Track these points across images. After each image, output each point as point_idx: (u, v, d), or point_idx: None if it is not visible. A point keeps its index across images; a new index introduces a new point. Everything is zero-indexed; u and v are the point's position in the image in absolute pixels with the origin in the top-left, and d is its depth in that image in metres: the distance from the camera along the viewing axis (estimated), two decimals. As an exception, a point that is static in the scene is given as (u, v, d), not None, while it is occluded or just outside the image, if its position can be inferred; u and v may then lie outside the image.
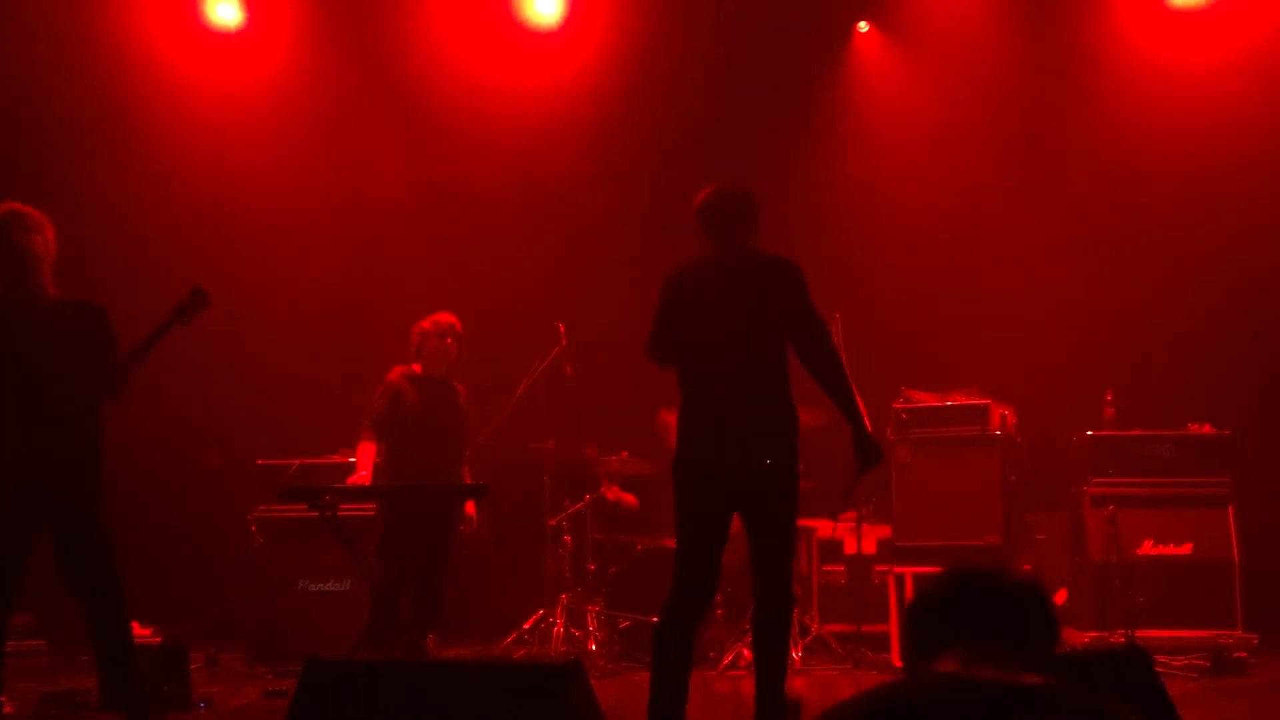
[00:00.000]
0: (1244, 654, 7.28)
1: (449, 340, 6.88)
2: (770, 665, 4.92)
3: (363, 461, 6.82)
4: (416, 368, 6.95)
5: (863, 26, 9.60)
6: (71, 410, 4.86)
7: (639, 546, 8.00)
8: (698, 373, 4.92)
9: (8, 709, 5.21)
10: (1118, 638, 7.09)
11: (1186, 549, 7.59)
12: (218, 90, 9.18)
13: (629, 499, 8.59)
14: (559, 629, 7.81)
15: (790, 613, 5.09)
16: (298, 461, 7.77)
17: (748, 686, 6.93)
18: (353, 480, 6.71)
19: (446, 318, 6.93)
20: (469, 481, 7.00)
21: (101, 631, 4.90)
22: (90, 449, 4.92)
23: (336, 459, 7.66)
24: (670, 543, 7.87)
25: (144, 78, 8.96)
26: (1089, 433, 8.03)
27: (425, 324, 6.92)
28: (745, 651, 7.52)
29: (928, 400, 8.10)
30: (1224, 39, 8.77)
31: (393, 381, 6.91)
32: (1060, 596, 7.77)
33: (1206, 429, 7.83)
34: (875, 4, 9.44)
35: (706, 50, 9.08)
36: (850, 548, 8.20)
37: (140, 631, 6.25)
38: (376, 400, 6.91)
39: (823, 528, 8.38)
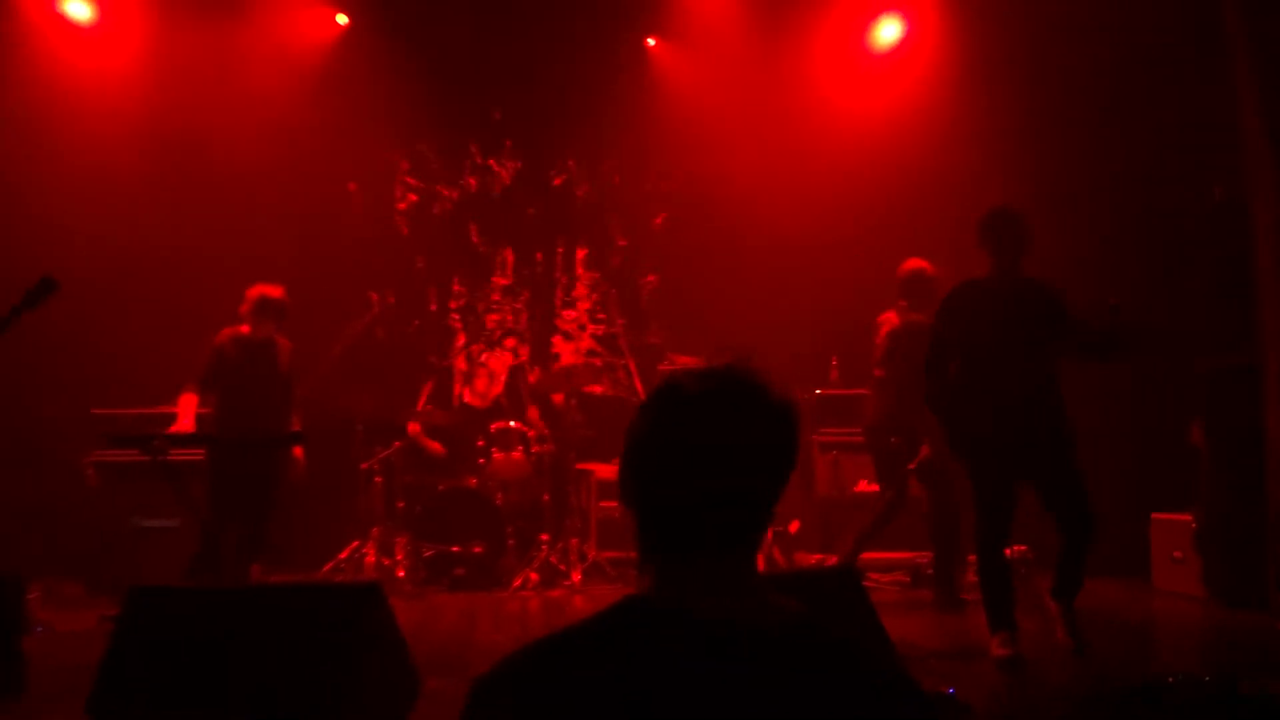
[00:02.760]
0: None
1: (272, 308, 6.60)
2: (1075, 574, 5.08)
3: (184, 411, 6.44)
4: (244, 329, 6.62)
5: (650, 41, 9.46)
6: None
7: (441, 487, 7.77)
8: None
9: None
10: (834, 560, 7.23)
11: (893, 487, 7.77)
12: (75, 75, 8.48)
13: (435, 446, 8.33)
14: (371, 559, 7.56)
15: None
16: (131, 411, 7.26)
17: (534, 605, 6.89)
18: (175, 428, 6.27)
19: (274, 289, 6.66)
20: (297, 429, 6.69)
21: None
22: None
23: (165, 409, 7.16)
24: (471, 483, 7.74)
25: (15, 64, 8.25)
26: (818, 391, 8.17)
27: (252, 292, 6.60)
28: (533, 575, 7.43)
29: (690, 363, 8.12)
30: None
31: (219, 343, 6.63)
32: (794, 526, 7.88)
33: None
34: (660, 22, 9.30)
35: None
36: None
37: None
38: (201, 358, 6.60)
39: (600, 471, 8.30)
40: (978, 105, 8.42)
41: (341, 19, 9.04)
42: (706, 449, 1.54)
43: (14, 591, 5.07)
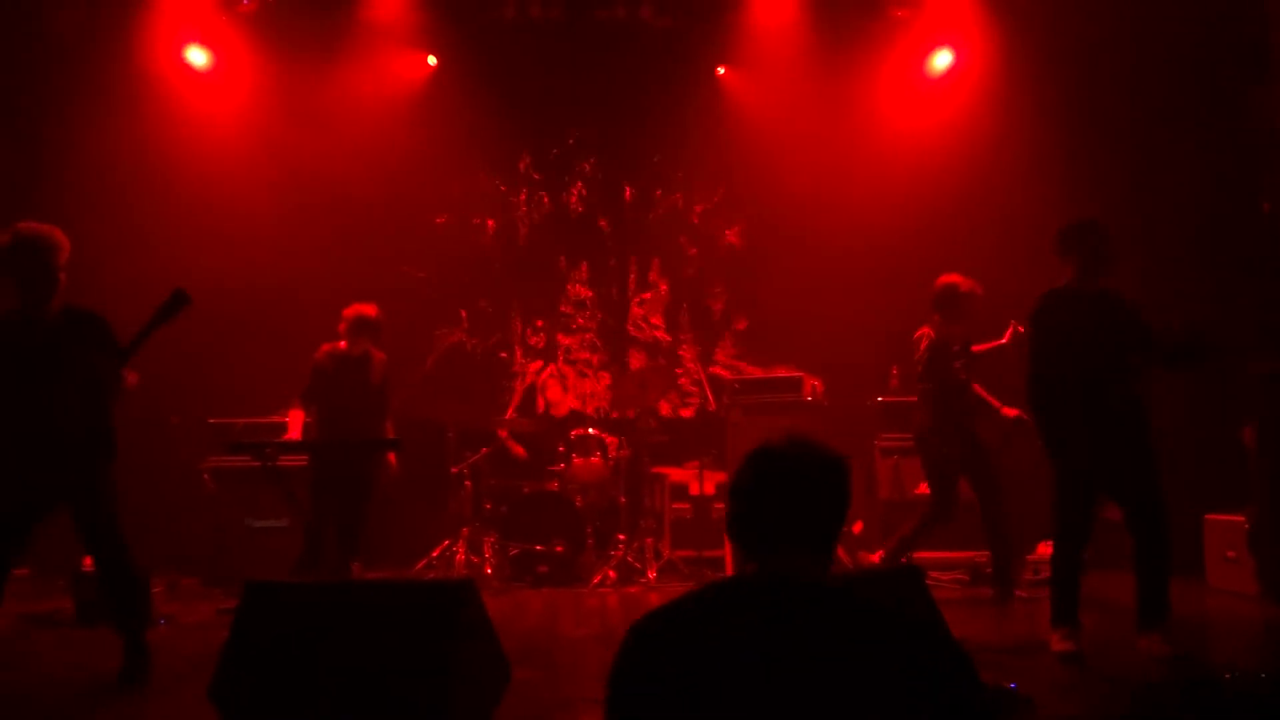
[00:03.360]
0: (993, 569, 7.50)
1: (367, 325, 6.78)
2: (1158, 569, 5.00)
3: (292, 423, 6.71)
4: (342, 345, 6.83)
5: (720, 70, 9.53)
6: (68, 407, 4.56)
7: (525, 489, 7.93)
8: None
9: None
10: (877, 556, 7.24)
11: (953, 489, 7.75)
12: (195, 116, 8.87)
13: (519, 450, 8.50)
14: (460, 556, 7.73)
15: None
16: (242, 421, 7.54)
17: (613, 601, 7.00)
18: (285, 438, 6.53)
19: (368, 308, 6.83)
20: (391, 436, 6.89)
21: (108, 573, 4.71)
22: (90, 438, 4.61)
23: (275, 419, 7.48)
24: (553, 486, 7.89)
25: (143, 107, 8.63)
26: (879, 399, 8.18)
27: (349, 311, 6.82)
28: (611, 573, 7.55)
29: (755, 373, 8.21)
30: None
31: (319, 358, 6.83)
32: (857, 527, 7.91)
33: (971, 395, 8.00)
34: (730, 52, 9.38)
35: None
36: (695, 489, 8.23)
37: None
38: (304, 374, 6.82)
39: (673, 474, 8.42)
40: (1027, 125, 8.38)
41: (431, 60, 9.30)
42: (789, 488, 2.09)
43: (141, 586, 5.33)
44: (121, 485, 4.79)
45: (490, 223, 9.63)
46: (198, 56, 8.88)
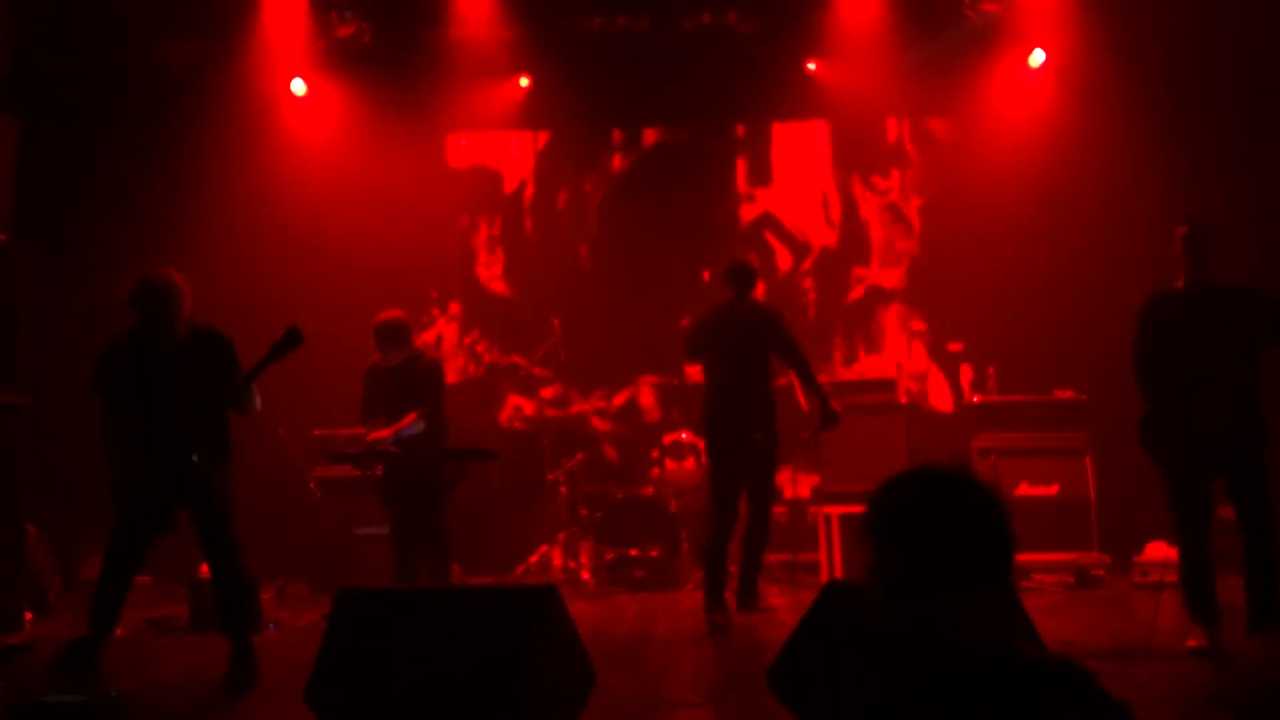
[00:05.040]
0: (1100, 571, 7.34)
1: (382, 333, 6.44)
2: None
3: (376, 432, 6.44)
4: (376, 358, 6.56)
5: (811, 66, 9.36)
6: (193, 427, 4.78)
7: (620, 495, 7.97)
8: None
9: (118, 632, 5.18)
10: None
11: (1054, 490, 7.55)
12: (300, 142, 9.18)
13: (614, 456, 8.54)
14: (557, 561, 7.80)
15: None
16: (346, 432, 7.74)
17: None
18: (372, 438, 6.39)
19: (383, 314, 6.49)
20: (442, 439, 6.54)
21: (222, 581, 4.93)
22: (213, 456, 4.84)
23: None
24: (647, 491, 7.91)
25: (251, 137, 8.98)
26: (976, 399, 8.01)
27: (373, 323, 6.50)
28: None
29: (848, 375, 8.12)
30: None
31: (365, 376, 6.58)
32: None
33: (1068, 394, 7.81)
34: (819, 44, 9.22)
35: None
36: (789, 493, 8.16)
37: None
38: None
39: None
40: (1124, 121, 8.15)
41: (524, 81, 9.40)
42: (943, 519, 1.83)
43: (251, 594, 5.51)
44: (236, 495, 5.01)
45: (588, 231, 9.71)
46: (299, 85, 9.15)
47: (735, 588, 6.53)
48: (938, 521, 1.81)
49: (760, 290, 7.18)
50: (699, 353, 6.54)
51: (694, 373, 8.12)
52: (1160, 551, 7.11)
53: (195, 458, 4.76)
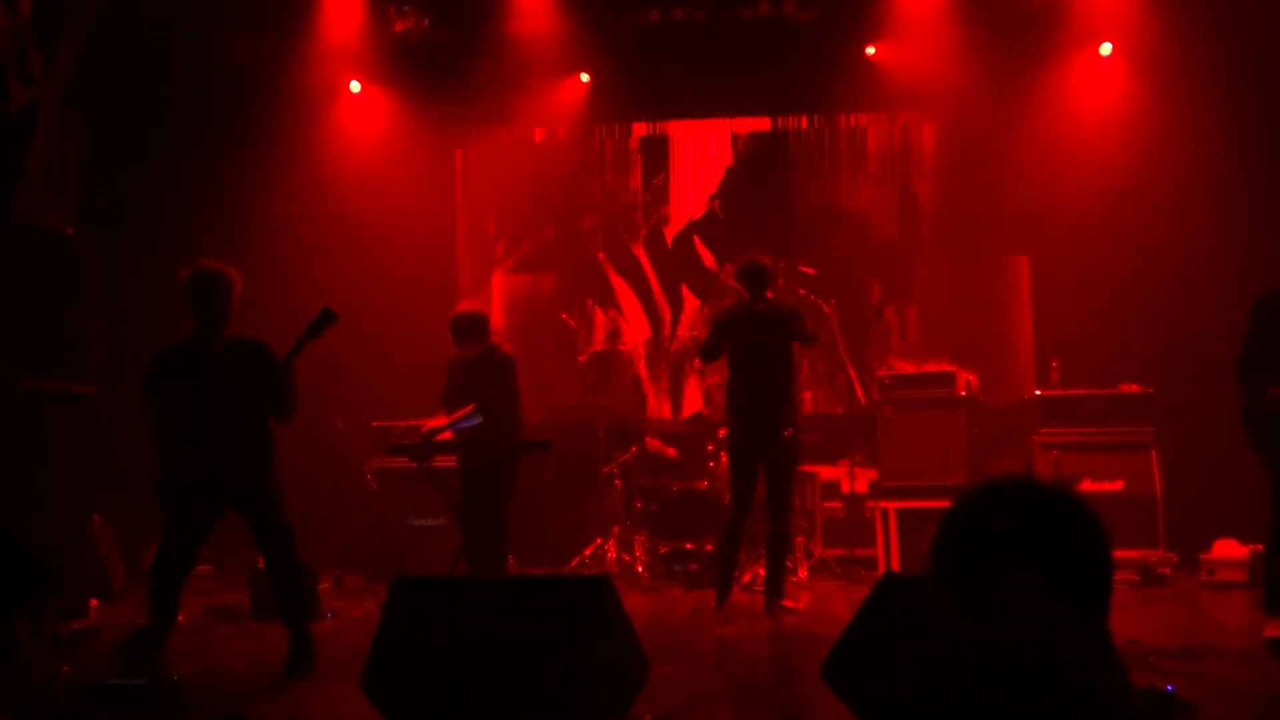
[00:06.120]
0: (1166, 569, 7.19)
1: (458, 326, 6.60)
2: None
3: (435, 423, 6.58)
4: (454, 351, 6.69)
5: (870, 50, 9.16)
6: (238, 429, 4.89)
7: (675, 488, 7.94)
8: None
9: (180, 619, 5.27)
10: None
11: (1118, 485, 7.40)
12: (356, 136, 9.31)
13: (670, 451, 8.51)
14: (612, 554, 7.80)
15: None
16: (403, 423, 7.80)
17: (762, 600, 6.93)
18: (428, 426, 6.51)
19: (458, 307, 6.70)
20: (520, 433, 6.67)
21: (276, 571, 5.03)
22: (258, 457, 4.96)
23: (430, 422, 7.64)
24: (702, 485, 7.86)
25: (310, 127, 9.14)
26: (1038, 392, 7.87)
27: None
28: (760, 571, 7.47)
29: (907, 368, 8.00)
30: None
31: (448, 365, 6.69)
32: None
33: (1134, 388, 7.65)
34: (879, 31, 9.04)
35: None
36: (846, 487, 8.09)
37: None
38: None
39: (824, 472, 8.28)
40: (1186, 114, 8.01)
41: (584, 77, 9.41)
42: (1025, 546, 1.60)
43: (306, 584, 5.58)
44: (293, 486, 5.11)
45: (647, 224, 9.68)
46: (355, 85, 9.27)
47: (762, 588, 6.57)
48: (1020, 549, 1.58)
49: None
50: (715, 354, 6.55)
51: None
52: (1229, 549, 6.94)
53: (240, 456, 4.88)
